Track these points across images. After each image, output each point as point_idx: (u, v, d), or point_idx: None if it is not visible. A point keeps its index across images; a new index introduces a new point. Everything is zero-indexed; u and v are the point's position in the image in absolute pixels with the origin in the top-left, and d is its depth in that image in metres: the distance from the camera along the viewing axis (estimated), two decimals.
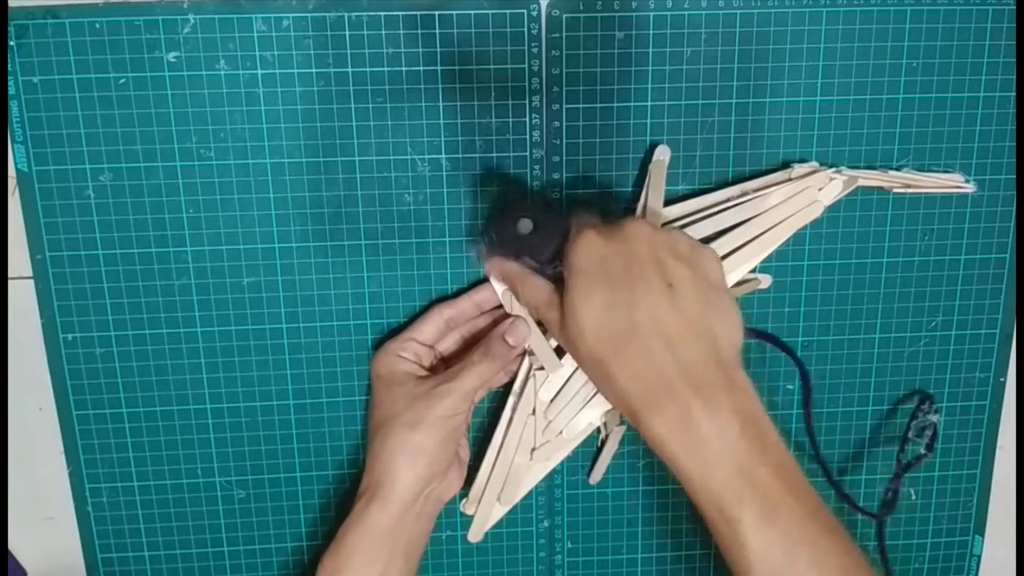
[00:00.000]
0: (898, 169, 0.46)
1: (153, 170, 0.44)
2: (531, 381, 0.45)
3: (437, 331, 0.45)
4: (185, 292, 0.45)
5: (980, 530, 0.53)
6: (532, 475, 0.47)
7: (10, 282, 0.45)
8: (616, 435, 0.48)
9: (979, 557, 0.53)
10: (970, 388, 0.50)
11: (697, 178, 0.46)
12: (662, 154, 0.45)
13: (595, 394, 0.45)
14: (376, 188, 0.45)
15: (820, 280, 0.48)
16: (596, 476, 0.49)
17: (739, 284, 0.45)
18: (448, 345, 0.46)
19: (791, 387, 0.49)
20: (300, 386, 0.47)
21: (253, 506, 0.49)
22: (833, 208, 0.46)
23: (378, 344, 0.46)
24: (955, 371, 0.50)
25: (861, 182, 0.45)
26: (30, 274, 0.45)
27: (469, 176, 0.45)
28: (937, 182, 0.46)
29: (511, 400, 0.46)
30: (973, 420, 0.51)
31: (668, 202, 0.45)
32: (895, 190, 0.46)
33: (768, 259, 0.47)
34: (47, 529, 0.49)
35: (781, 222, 0.44)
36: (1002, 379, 0.50)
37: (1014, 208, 0.47)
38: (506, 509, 0.47)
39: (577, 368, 0.45)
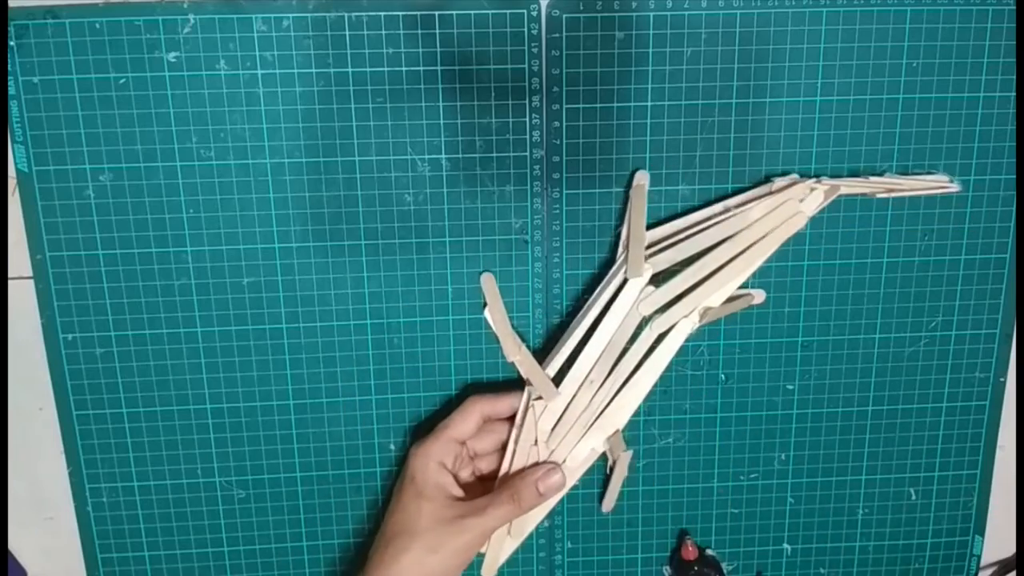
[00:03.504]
0: (880, 174, 0.46)
1: (153, 170, 0.44)
2: (530, 411, 0.45)
3: (475, 426, 0.45)
4: (185, 292, 0.45)
5: (980, 530, 0.53)
6: (541, 507, 0.46)
7: (10, 282, 0.45)
8: (624, 460, 0.48)
9: (979, 557, 0.53)
10: (970, 388, 0.50)
11: (697, 178, 0.46)
12: (642, 179, 0.45)
13: (595, 420, 0.45)
14: (376, 188, 0.45)
15: (820, 280, 0.48)
16: (608, 504, 0.49)
17: (731, 301, 0.45)
18: (484, 445, 0.46)
19: (791, 387, 0.49)
20: (300, 386, 0.47)
21: (253, 506, 0.49)
22: (833, 208, 0.46)
23: (415, 432, 0.48)
24: (955, 371, 0.50)
25: (843, 191, 0.45)
26: (30, 274, 0.45)
27: (469, 176, 0.45)
28: (921, 184, 0.46)
29: (513, 432, 0.45)
30: (973, 420, 0.51)
31: (650, 225, 0.45)
32: (878, 195, 0.46)
33: (768, 260, 0.47)
34: (47, 529, 0.49)
35: (765, 236, 0.44)
36: (1002, 379, 0.50)
37: (1014, 208, 0.47)
38: (518, 543, 0.47)
39: (575, 395, 0.45)
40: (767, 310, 0.48)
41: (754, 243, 0.44)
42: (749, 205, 0.44)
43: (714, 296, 0.44)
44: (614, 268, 0.45)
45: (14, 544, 0.49)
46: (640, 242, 0.44)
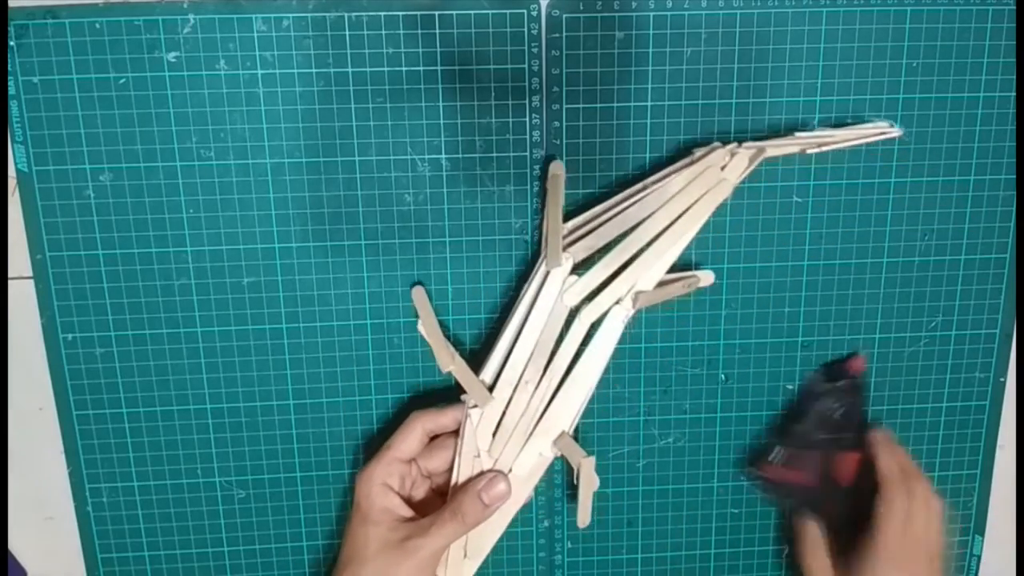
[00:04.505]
0: (809, 129, 0.44)
1: (153, 170, 0.44)
2: (467, 421, 0.43)
3: (419, 444, 0.44)
4: (185, 292, 0.45)
5: (980, 530, 0.53)
6: (497, 521, 0.44)
7: (10, 282, 0.45)
8: (587, 467, 0.43)
9: (979, 557, 0.53)
10: (970, 388, 0.50)
11: None
12: (557, 169, 0.44)
13: (538, 422, 0.43)
14: (376, 188, 0.45)
15: (820, 280, 0.48)
16: (583, 518, 0.45)
17: (669, 283, 0.43)
18: (436, 464, 0.45)
19: (791, 387, 0.49)
20: (300, 386, 0.47)
21: (253, 506, 0.49)
22: (832, 208, 0.46)
23: (360, 456, 0.47)
24: (955, 371, 0.50)
25: (770, 152, 0.42)
26: (30, 274, 0.45)
27: (469, 176, 0.45)
28: (856, 133, 0.44)
29: (457, 445, 0.44)
30: (973, 420, 0.51)
31: (570, 214, 0.44)
32: (809, 151, 0.43)
33: (768, 259, 0.47)
34: (47, 529, 0.49)
35: (689, 209, 0.41)
36: (1002, 379, 0.50)
37: (1014, 208, 0.47)
38: (477, 563, 0.45)
39: (511, 399, 0.43)
40: (768, 310, 0.48)
41: (679, 218, 0.42)
42: (668, 179, 0.42)
43: (644, 278, 0.42)
44: (538, 263, 0.44)
45: (14, 544, 0.49)
46: (557, 231, 0.42)
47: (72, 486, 0.48)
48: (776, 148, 0.43)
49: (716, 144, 0.43)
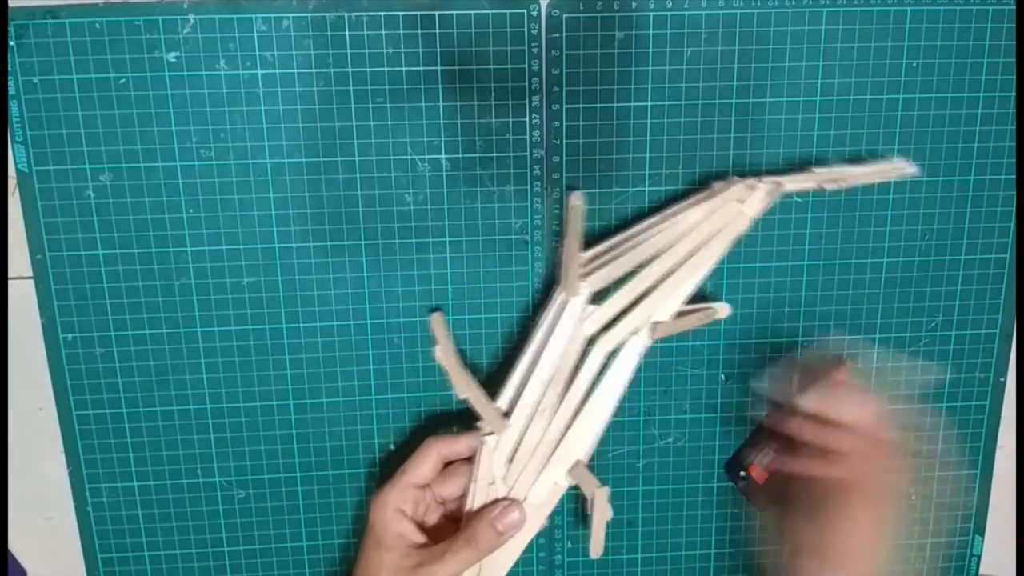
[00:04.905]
0: (827, 165, 0.45)
1: (153, 170, 0.44)
2: (483, 448, 0.43)
3: (433, 470, 0.44)
4: (185, 292, 0.45)
5: (980, 530, 0.53)
6: (510, 549, 0.43)
7: (10, 282, 0.45)
8: (600, 498, 0.43)
9: (979, 557, 0.53)
10: (970, 388, 0.50)
11: (697, 179, 0.46)
12: (577, 200, 0.44)
13: (553, 451, 0.43)
14: (376, 188, 0.45)
15: (820, 280, 0.48)
16: (596, 549, 0.44)
17: (687, 315, 0.43)
18: (449, 490, 0.44)
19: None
20: (300, 386, 0.47)
21: (253, 506, 0.49)
22: (832, 208, 0.46)
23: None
24: (955, 371, 0.50)
25: (787, 187, 0.43)
26: (30, 274, 0.45)
27: (469, 176, 0.45)
28: (873, 170, 0.44)
29: (472, 471, 0.44)
30: (973, 420, 0.51)
31: (589, 242, 0.44)
32: (826, 187, 0.44)
33: (768, 259, 0.47)
34: (47, 529, 0.49)
35: (707, 241, 0.42)
36: (1002, 379, 0.50)
37: (1014, 208, 0.47)
38: None
39: (527, 427, 0.43)
40: (768, 310, 0.48)
41: (696, 250, 0.42)
42: (687, 212, 0.43)
43: (661, 309, 0.42)
44: (555, 291, 0.44)
45: (14, 544, 0.49)
46: (575, 261, 0.42)
47: (72, 486, 0.48)
48: (794, 183, 0.43)
49: (734, 178, 0.44)
